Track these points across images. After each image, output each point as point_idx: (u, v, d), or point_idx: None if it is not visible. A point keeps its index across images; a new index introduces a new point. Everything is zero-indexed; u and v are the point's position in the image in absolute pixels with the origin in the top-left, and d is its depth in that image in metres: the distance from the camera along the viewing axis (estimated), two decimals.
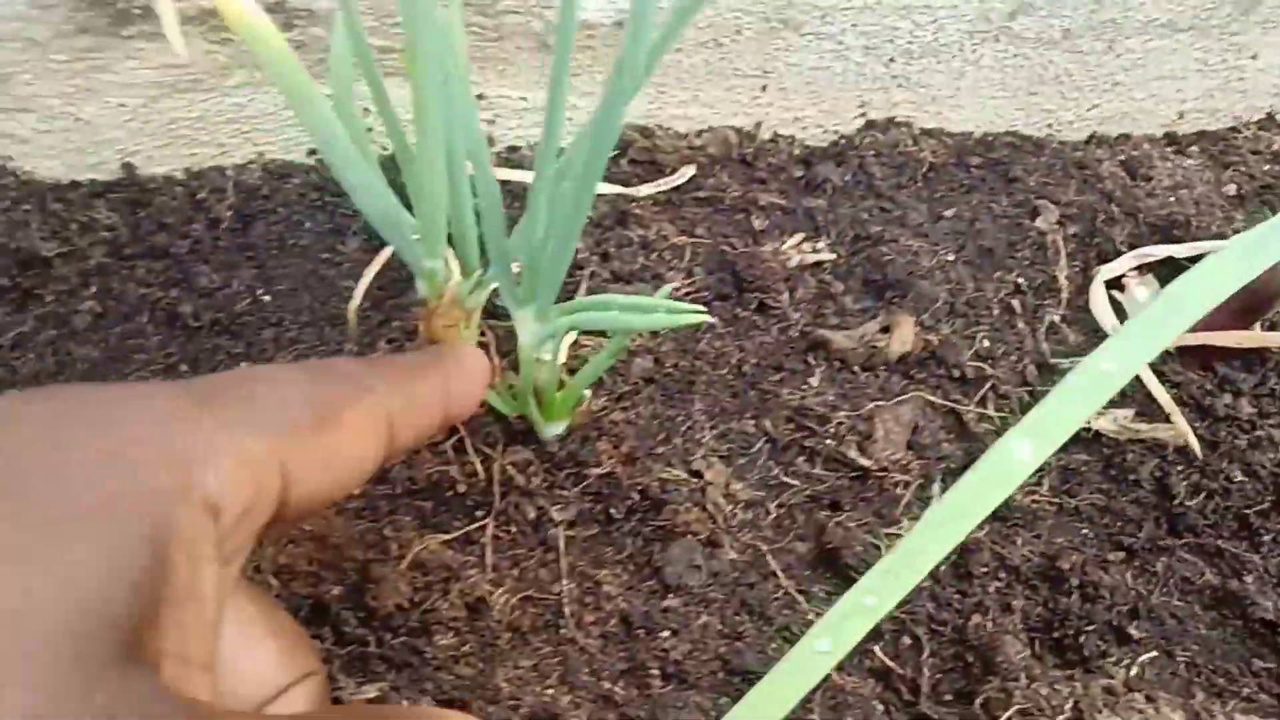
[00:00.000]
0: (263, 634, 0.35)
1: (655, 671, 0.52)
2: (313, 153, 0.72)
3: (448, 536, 0.55)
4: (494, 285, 0.53)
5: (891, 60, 0.80)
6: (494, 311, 0.62)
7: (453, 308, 0.57)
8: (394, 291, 0.66)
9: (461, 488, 0.57)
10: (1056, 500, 0.62)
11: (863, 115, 0.84)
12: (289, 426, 0.31)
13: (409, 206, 0.47)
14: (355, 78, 0.48)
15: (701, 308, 0.48)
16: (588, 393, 0.59)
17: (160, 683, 0.25)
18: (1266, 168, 0.88)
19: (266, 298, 0.65)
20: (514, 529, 0.56)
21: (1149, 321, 0.38)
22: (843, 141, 0.83)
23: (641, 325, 0.49)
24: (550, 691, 0.51)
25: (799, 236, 0.73)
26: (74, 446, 0.26)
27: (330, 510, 0.54)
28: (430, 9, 0.38)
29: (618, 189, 0.74)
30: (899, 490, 0.61)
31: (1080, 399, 0.36)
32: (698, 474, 0.59)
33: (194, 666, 0.27)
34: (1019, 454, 0.36)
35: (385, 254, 0.66)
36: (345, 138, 0.42)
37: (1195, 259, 0.76)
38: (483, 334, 0.60)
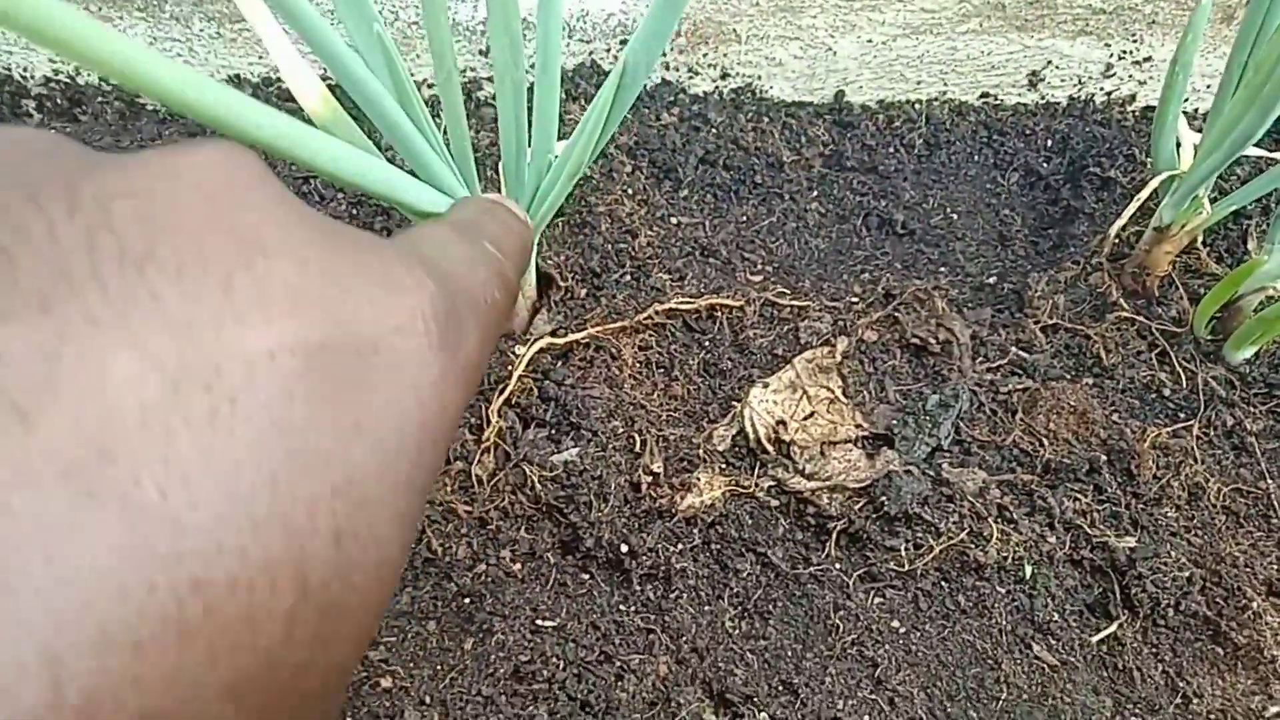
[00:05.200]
0: None
1: None
2: (984, 96, 0.83)
3: (1162, 429, 0.65)
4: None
5: None
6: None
7: (1182, 236, 0.67)
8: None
9: (1167, 392, 0.67)
10: None
11: None
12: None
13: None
14: None
15: None
16: None
17: None
18: None
19: (953, 216, 0.77)
20: (1213, 433, 0.66)
21: None
22: None
23: None
24: (1274, 566, 0.61)
25: None
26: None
27: (1075, 387, 0.66)
28: None
29: None
30: None
31: None
32: None
33: None
34: None
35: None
36: None
37: None
38: (1191, 253, 0.69)
